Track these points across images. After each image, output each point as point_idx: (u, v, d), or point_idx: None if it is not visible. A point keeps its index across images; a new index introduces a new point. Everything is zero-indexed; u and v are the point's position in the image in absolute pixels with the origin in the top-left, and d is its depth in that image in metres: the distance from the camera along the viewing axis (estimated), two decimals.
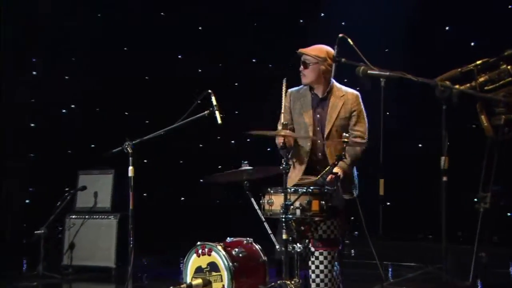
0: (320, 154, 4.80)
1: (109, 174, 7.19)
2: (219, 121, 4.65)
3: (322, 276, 4.47)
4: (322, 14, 9.83)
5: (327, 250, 4.49)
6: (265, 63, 9.95)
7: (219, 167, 7.86)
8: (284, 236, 4.21)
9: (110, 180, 7.16)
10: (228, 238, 4.68)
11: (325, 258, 4.48)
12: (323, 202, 4.33)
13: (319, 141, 4.76)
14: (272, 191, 4.42)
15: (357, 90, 4.87)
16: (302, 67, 4.82)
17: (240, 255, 4.42)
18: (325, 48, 4.80)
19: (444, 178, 3.70)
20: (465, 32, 8.42)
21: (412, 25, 8.51)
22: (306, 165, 4.80)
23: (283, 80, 4.71)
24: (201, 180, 7.45)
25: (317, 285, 4.48)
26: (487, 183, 4.05)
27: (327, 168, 4.36)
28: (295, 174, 4.83)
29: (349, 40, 4.19)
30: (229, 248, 4.43)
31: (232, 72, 9.89)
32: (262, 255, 4.57)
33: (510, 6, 8.53)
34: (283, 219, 4.21)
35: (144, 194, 8.92)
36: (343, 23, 9.08)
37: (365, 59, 4.11)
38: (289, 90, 4.99)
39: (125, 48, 9.37)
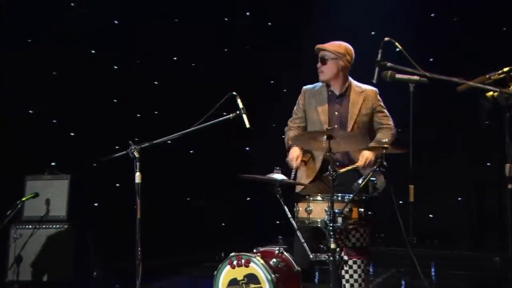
0: (339, 156, 4.74)
1: (65, 180, 6.57)
2: (247, 124, 4.43)
3: (356, 285, 4.42)
4: (248, 13, 9.74)
5: (361, 258, 4.46)
6: None
7: None
8: (332, 246, 4.08)
9: (66, 186, 6.55)
10: (255, 248, 4.47)
11: (359, 266, 4.45)
12: (362, 210, 4.29)
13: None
14: (311, 198, 4.29)
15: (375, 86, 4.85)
16: (320, 63, 4.78)
17: (279, 265, 4.29)
18: (344, 44, 4.80)
19: (510, 186, 3.78)
20: None
21: None
22: (321, 164, 4.74)
23: None
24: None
25: None
26: None
27: (368, 175, 4.29)
28: (307, 174, 4.75)
29: (397, 43, 4.17)
30: (266, 259, 4.24)
31: None
32: (295, 265, 4.41)
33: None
34: (331, 228, 4.08)
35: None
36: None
37: (414, 63, 4.10)
38: (304, 87, 4.96)
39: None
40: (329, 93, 4.86)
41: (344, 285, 4.40)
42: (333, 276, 4.08)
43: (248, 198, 9.39)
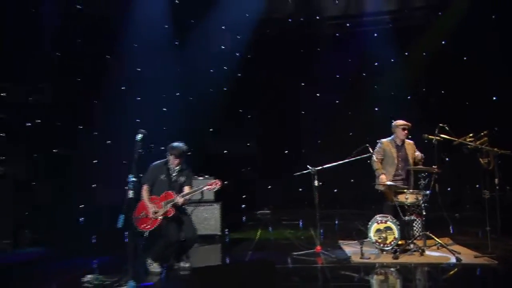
0: (400, 172, 10.14)
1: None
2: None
3: (420, 232, 9.75)
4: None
5: (421, 219, 9.83)
6: None
7: None
8: (424, 213, 9.46)
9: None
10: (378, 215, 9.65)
11: (420, 223, 9.81)
12: None
13: (400, 166, 10.11)
14: (407, 192, 9.60)
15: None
16: (407, 132, 10.09)
17: (395, 221, 9.54)
18: None
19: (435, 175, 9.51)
20: None
21: None
22: (392, 178, 10.13)
23: None
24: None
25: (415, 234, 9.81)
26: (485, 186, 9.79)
27: (426, 180, 9.71)
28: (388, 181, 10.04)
29: (446, 127, 9.56)
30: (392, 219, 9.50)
31: None
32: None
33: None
34: (423, 205, 9.44)
35: None
36: None
37: (452, 133, 9.55)
38: (382, 140, 10.22)
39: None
40: (396, 144, 10.20)
41: (414, 233, 9.79)
42: (407, 228, 9.53)
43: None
